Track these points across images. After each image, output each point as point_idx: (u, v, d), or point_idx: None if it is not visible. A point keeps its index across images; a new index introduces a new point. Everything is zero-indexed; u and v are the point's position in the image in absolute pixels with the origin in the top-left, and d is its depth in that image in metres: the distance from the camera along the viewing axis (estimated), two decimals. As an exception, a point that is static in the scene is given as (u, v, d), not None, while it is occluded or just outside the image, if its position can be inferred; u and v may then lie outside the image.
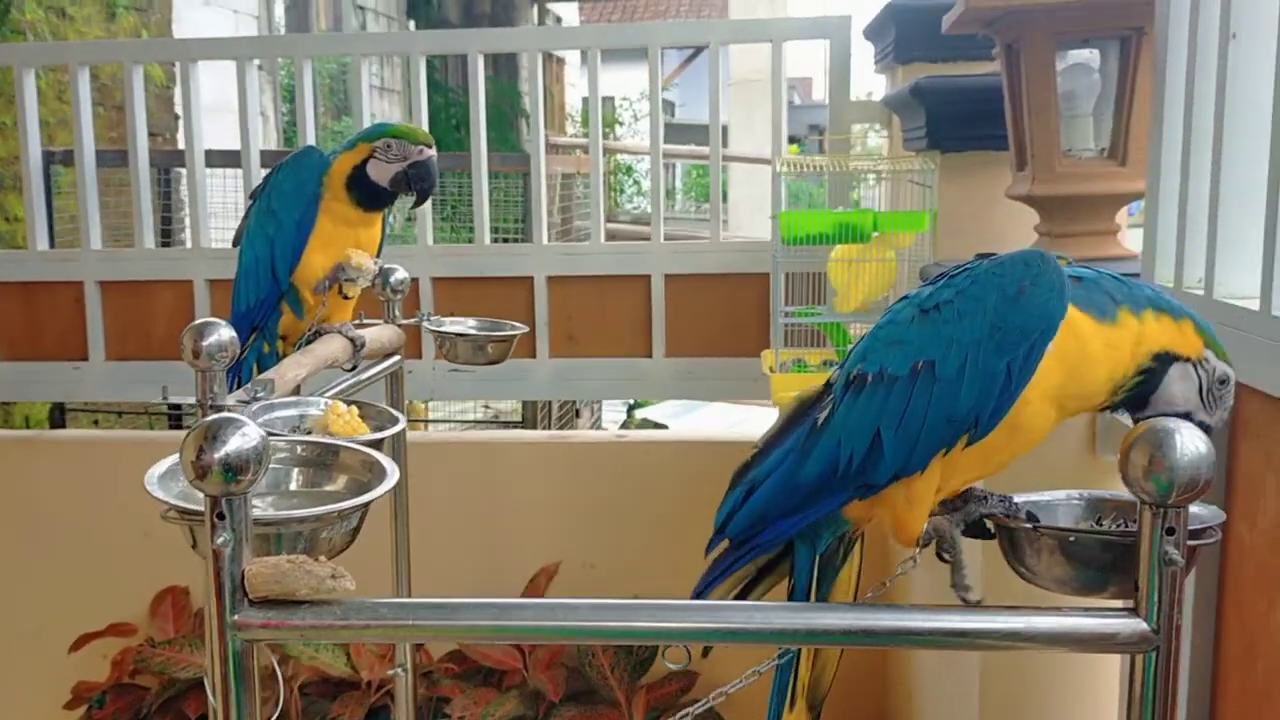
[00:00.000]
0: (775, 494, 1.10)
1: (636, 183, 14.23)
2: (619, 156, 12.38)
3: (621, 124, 16.05)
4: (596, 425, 8.33)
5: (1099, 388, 1.03)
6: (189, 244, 3.76)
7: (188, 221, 3.88)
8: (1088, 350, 1.01)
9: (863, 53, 3.40)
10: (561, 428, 6.46)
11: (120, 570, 3.59)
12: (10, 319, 3.63)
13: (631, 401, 9.67)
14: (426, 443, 3.90)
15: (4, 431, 5.03)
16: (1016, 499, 1.11)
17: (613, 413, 9.21)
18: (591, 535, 3.54)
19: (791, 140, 4.52)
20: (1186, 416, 1.02)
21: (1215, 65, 1.49)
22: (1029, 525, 1.04)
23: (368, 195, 1.90)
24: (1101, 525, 1.12)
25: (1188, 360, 1.02)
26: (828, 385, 1.12)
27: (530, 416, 5.81)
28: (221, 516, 0.99)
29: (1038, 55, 1.96)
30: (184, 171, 4.02)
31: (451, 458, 3.64)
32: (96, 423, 5.43)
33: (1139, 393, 1.03)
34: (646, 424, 8.72)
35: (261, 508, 1.15)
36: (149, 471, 1.14)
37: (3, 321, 3.63)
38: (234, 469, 0.97)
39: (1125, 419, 1.08)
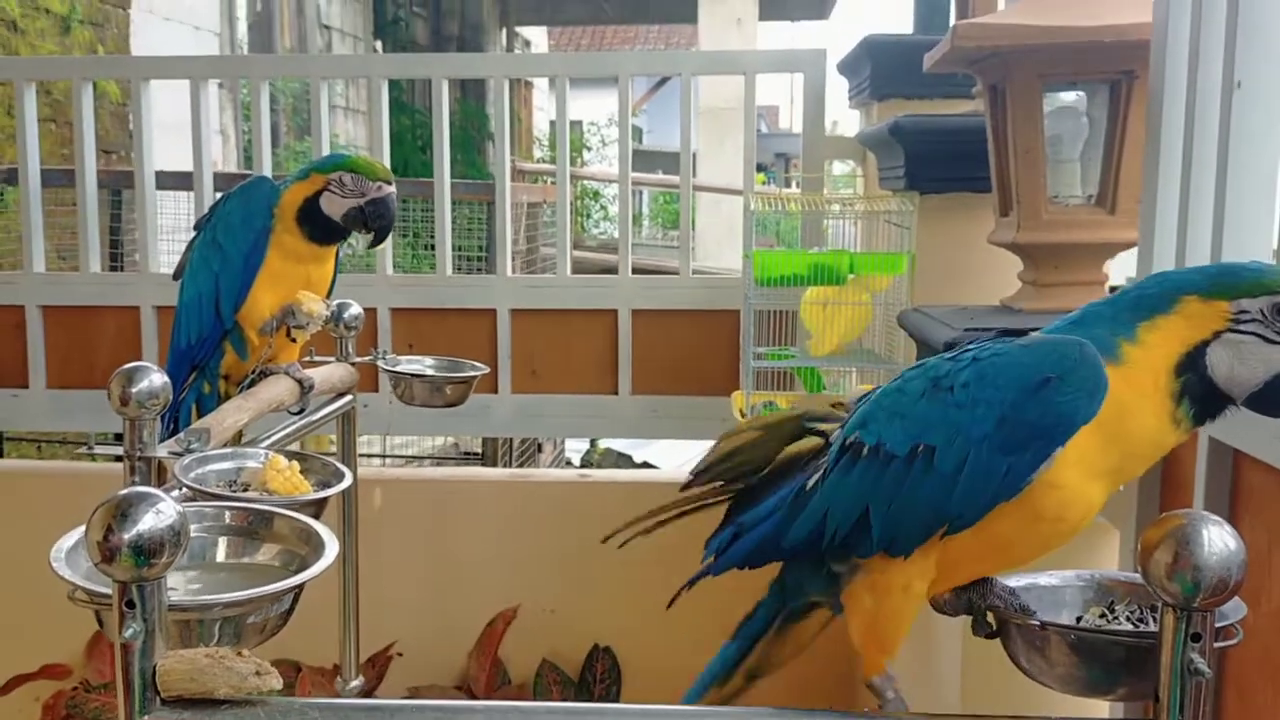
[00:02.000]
0: (758, 547, 1.03)
1: (604, 208, 14.15)
2: (585, 182, 12.30)
3: (589, 149, 15.99)
4: (559, 455, 8.19)
5: (1152, 436, 0.90)
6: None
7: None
8: (1121, 408, 0.88)
9: (834, 85, 3.33)
10: (523, 460, 6.33)
11: (56, 609, 3.40)
12: (-53, 343, 3.47)
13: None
14: (379, 479, 3.76)
15: (-59, 457, 4.83)
16: (1016, 583, 1.01)
17: (576, 442, 9.08)
18: (552, 578, 3.42)
19: (758, 169, 4.45)
20: None
21: (1218, 115, 1.42)
22: (1034, 622, 0.94)
23: (320, 230, 1.79)
24: (1113, 611, 1.02)
25: (1215, 337, 0.87)
26: (826, 441, 1.04)
27: (490, 450, 5.68)
28: (131, 605, 0.87)
29: (1023, 97, 1.88)
30: (135, 192, 3.88)
31: (405, 495, 3.51)
32: (40, 448, 5.24)
33: (1202, 402, 0.89)
34: (610, 454, 8.60)
35: (180, 587, 1.04)
36: (57, 544, 1.02)
37: (-61, 346, 3.47)
38: (146, 552, 0.85)
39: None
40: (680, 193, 3.43)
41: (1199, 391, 0.88)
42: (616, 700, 3.23)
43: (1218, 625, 0.90)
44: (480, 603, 3.38)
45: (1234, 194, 1.39)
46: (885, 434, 0.96)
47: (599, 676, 3.30)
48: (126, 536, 0.85)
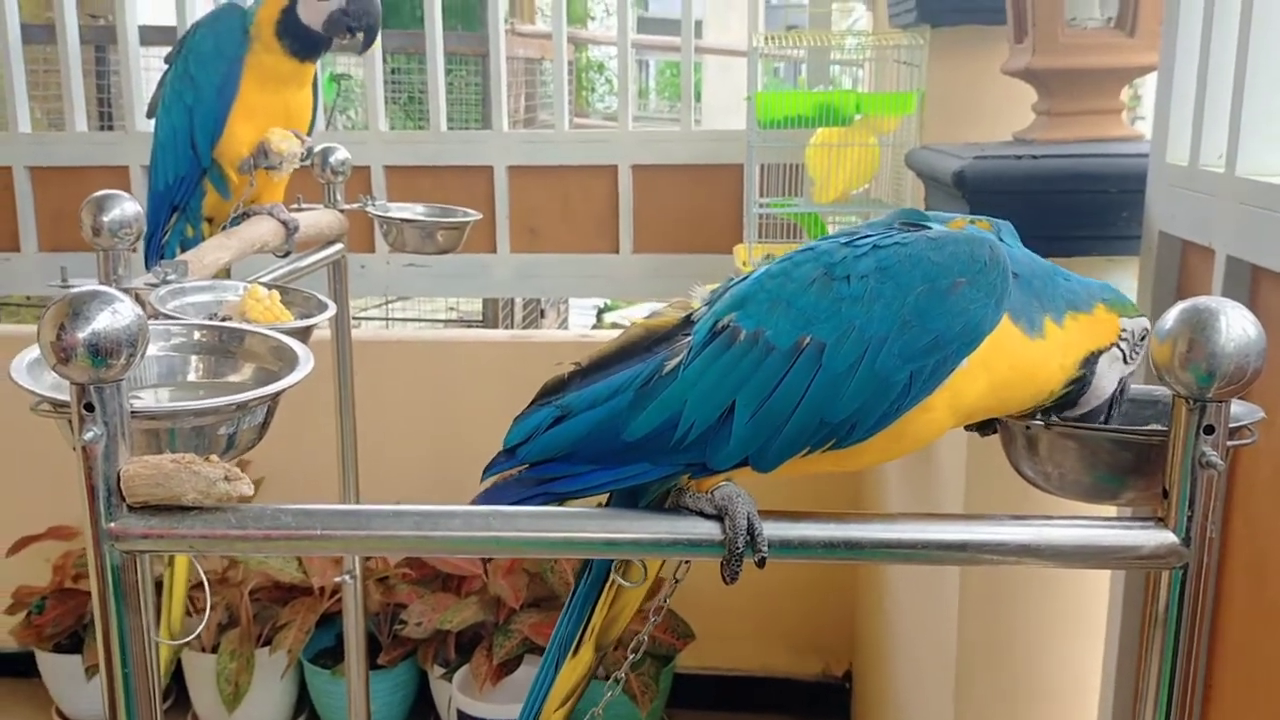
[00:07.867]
0: (589, 434, 0.90)
1: (608, 80, 13.83)
2: (590, 52, 12.01)
3: (594, 18, 15.57)
4: (563, 328, 8.16)
5: (1020, 404, 0.90)
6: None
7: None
8: (1017, 367, 0.86)
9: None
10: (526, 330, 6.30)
11: (61, 471, 3.42)
12: (-66, 206, 3.41)
13: (602, 304, 9.50)
14: (379, 341, 3.73)
15: (-57, 328, 4.80)
16: None
17: (581, 315, 9.05)
18: (554, 438, 3.40)
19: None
20: (1120, 390, 0.92)
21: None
22: (1039, 421, 0.90)
23: (301, 41, 1.70)
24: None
25: (1110, 347, 0.90)
26: (688, 321, 0.92)
27: (491, 316, 5.63)
28: (90, 408, 0.83)
29: (1041, -87, 1.77)
30: (120, 51, 3.77)
31: (406, 357, 3.49)
32: (40, 318, 5.20)
33: (1062, 401, 0.91)
34: (617, 329, 8.56)
35: (148, 400, 1.00)
36: (16, 358, 0.98)
37: (-74, 209, 3.41)
38: (102, 351, 0.81)
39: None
40: (682, 46, 3.30)
41: (1075, 392, 0.90)
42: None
43: (1231, 426, 0.85)
44: (483, 463, 3.37)
45: (1260, 13, 1.30)
46: (767, 321, 0.86)
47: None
48: (81, 335, 0.81)
